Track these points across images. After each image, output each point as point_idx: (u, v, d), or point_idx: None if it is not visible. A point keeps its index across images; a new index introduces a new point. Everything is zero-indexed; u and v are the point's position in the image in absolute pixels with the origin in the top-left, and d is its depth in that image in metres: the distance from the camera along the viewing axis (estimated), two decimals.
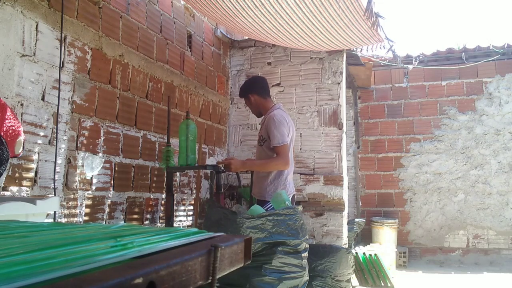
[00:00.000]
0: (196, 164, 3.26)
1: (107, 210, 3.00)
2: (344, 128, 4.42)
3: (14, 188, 2.33)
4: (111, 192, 3.05)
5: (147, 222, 3.42)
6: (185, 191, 3.95)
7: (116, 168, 3.10)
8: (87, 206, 2.83)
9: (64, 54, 2.65)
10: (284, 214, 2.68)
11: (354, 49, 4.54)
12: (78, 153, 2.77)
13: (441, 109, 6.51)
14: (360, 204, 6.57)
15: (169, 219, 3.17)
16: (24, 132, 2.20)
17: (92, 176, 2.87)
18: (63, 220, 2.65)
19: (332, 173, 4.28)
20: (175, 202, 3.52)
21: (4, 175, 2.25)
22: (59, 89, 2.58)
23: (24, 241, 0.51)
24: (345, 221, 4.20)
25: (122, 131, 3.16)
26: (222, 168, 3.15)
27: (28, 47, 2.43)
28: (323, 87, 4.47)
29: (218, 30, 4.64)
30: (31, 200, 1.71)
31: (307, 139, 4.45)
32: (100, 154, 2.94)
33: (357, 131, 6.70)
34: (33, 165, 2.45)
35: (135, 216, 3.31)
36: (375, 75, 6.74)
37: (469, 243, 6.22)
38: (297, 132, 4.39)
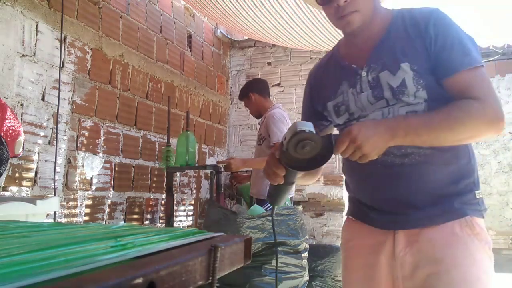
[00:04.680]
0: (196, 164, 3.26)
1: (107, 210, 3.00)
2: None
3: (14, 188, 2.33)
4: (111, 192, 3.05)
5: (147, 222, 3.42)
6: (185, 191, 3.95)
7: (116, 168, 3.10)
8: (87, 206, 2.83)
9: (64, 54, 2.65)
10: (284, 214, 2.68)
11: None
12: (78, 153, 2.77)
13: None
14: None
15: (169, 219, 3.17)
16: (24, 132, 2.20)
17: (92, 176, 2.87)
18: (63, 220, 2.65)
19: (332, 173, 4.28)
20: (175, 202, 3.52)
21: (4, 175, 2.25)
22: (59, 89, 2.58)
23: (24, 241, 0.51)
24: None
25: (122, 131, 3.16)
26: (222, 168, 3.15)
27: (28, 47, 2.43)
28: None
29: (218, 30, 4.64)
30: (31, 200, 1.71)
31: None
32: (100, 154, 2.94)
33: None
34: (33, 165, 2.45)
35: (135, 216, 3.31)
36: None
37: None
38: None
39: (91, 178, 2.87)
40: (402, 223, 1.13)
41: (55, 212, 2.49)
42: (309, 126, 0.97)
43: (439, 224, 1.10)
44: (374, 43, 1.17)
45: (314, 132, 0.96)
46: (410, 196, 1.12)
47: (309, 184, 4.28)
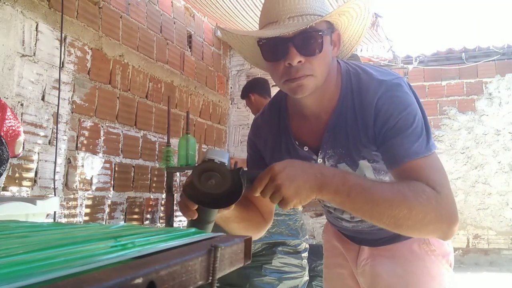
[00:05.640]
0: (196, 164, 3.25)
1: (107, 210, 3.00)
2: None
3: (14, 188, 2.33)
4: (111, 192, 3.04)
5: (147, 222, 3.42)
6: None
7: (116, 168, 3.10)
8: (87, 206, 2.83)
9: (64, 54, 2.65)
10: (284, 214, 2.68)
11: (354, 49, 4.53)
12: (78, 153, 2.77)
13: (441, 109, 6.51)
14: None
15: (169, 219, 3.17)
16: (24, 132, 2.20)
17: (92, 176, 2.87)
18: (63, 220, 2.66)
19: None
20: (175, 202, 3.52)
21: (4, 175, 2.25)
22: (59, 89, 2.58)
23: (24, 241, 0.51)
24: None
25: (122, 131, 3.16)
26: None
27: (28, 47, 2.43)
28: None
29: (218, 30, 4.64)
30: (31, 200, 1.71)
31: None
32: (100, 154, 2.94)
33: None
34: (33, 165, 2.45)
35: (135, 216, 3.31)
36: None
37: (469, 243, 6.22)
38: None
39: (91, 178, 2.87)
40: (368, 243, 1.21)
41: (55, 212, 2.49)
42: (221, 156, 0.82)
43: (400, 242, 1.15)
44: (325, 121, 1.03)
45: (226, 164, 0.82)
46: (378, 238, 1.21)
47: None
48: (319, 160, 1.06)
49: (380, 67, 1.11)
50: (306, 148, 1.06)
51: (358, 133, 0.99)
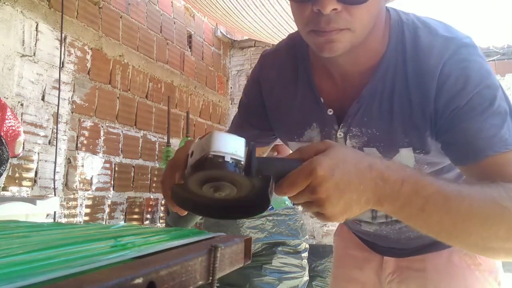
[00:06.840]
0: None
1: (107, 210, 3.00)
2: None
3: (14, 188, 2.33)
4: (111, 192, 3.04)
5: (147, 222, 3.42)
6: None
7: (116, 168, 3.10)
8: (87, 206, 2.83)
9: (64, 54, 2.65)
10: (284, 214, 2.69)
11: None
12: (78, 153, 2.77)
13: None
14: None
15: None
16: (24, 132, 2.20)
17: (92, 176, 2.87)
18: (63, 220, 2.66)
19: None
20: None
21: (4, 175, 2.25)
22: (59, 89, 2.58)
23: (24, 241, 0.51)
24: None
25: (122, 131, 3.16)
26: None
27: (28, 47, 2.43)
28: None
29: (218, 30, 4.64)
30: (31, 200, 1.71)
31: None
32: (100, 154, 2.94)
33: None
34: (33, 165, 2.45)
35: (135, 216, 3.31)
36: None
37: None
38: None
39: (91, 178, 2.87)
40: (394, 253, 0.98)
41: (55, 212, 2.49)
42: (234, 148, 0.51)
43: (434, 251, 0.92)
44: (357, 85, 0.75)
45: (243, 163, 0.51)
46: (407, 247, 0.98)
47: None
48: (339, 134, 0.79)
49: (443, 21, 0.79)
50: (330, 112, 0.79)
51: (409, 109, 0.72)
